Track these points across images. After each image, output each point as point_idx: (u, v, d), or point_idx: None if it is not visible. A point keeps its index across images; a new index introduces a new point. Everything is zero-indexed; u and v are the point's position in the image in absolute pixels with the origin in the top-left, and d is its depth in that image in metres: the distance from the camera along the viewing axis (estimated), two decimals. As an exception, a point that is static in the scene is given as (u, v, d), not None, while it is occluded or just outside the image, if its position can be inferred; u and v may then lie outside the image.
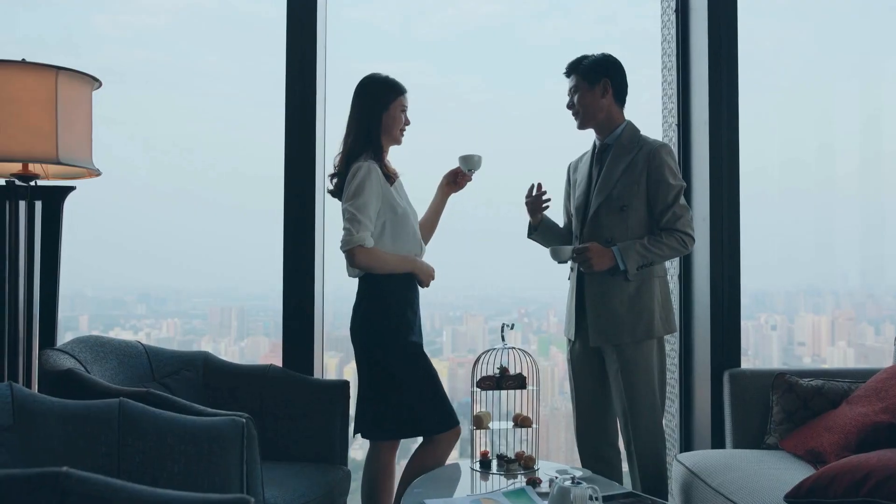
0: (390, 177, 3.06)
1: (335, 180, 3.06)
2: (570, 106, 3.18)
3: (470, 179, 3.29)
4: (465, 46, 6.18)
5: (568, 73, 3.18)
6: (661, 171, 3.01)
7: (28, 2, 4.83)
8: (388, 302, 2.98)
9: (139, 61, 5.33)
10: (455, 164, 3.23)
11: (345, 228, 2.88)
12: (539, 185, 3.29)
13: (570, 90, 3.18)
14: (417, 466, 2.95)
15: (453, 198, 3.32)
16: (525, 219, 3.35)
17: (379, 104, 3.03)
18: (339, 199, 3.04)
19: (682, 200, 3.04)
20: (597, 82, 3.10)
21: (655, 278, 3.05)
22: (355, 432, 3.07)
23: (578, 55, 3.17)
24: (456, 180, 3.29)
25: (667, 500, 2.96)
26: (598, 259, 3.00)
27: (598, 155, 3.19)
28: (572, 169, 3.38)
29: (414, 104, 3.12)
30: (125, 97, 4.42)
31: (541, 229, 3.33)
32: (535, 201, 3.29)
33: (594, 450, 3.20)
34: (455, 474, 2.88)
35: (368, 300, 3.00)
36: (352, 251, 2.87)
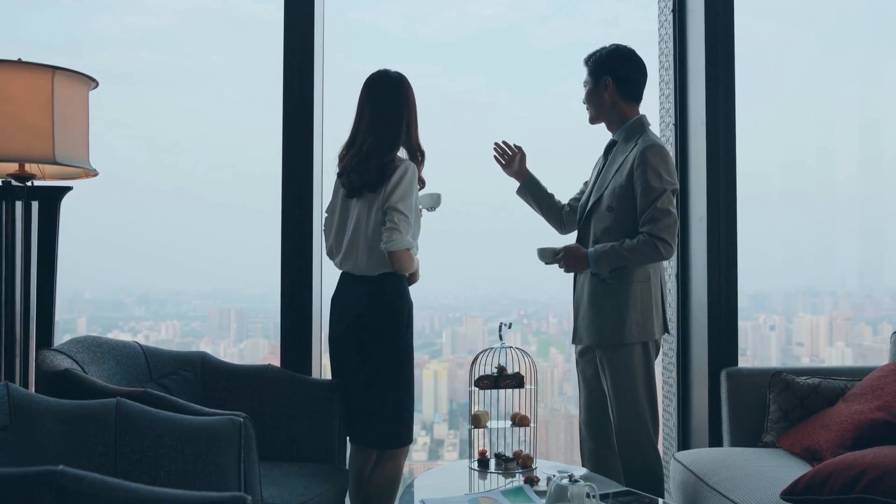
0: (421, 181, 3.06)
1: (381, 170, 2.89)
2: (583, 101, 3.20)
3: (420, 215, 3.29)
4: (468, 48, 6.17)
5: (585, 63, 3.19)
6: (644, 173, 2.93)
7: (31, 4, 4.83)
8: (406, 304, 2.97)
9: (142, 62, 5.32)
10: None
11: (396, 229, 2.82)
12: (500, 144, 3.38)
13: (583, 83, 3.19)
14: (388, 482, 2.94)
15: (453, 199, 3.31)
16: (524, 219, 3.36)
17: (412, 103, 3.03)
18: (370, 191, 2.92)
19: (664, 204, 2.92)
20: (599, 79, 3.11)
21: (636, 283, 2.99)
22: (363, 443, 3.03)
23: (597, 48, 3.17)
24: None
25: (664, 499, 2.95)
26: (572, 261, 3.05)
27: (605, 151, 3.20)
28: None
29: (418, 105, 3.11)
30: (127, 98, 4.43)
31: (527, 185, 3.38)
32: (502, 157, 3.40)
33: (594, 450, 3.20)
34: (453, 473, 2.88)
35: (390, 300, 2.94)
36: (399, 252, 2.84)
